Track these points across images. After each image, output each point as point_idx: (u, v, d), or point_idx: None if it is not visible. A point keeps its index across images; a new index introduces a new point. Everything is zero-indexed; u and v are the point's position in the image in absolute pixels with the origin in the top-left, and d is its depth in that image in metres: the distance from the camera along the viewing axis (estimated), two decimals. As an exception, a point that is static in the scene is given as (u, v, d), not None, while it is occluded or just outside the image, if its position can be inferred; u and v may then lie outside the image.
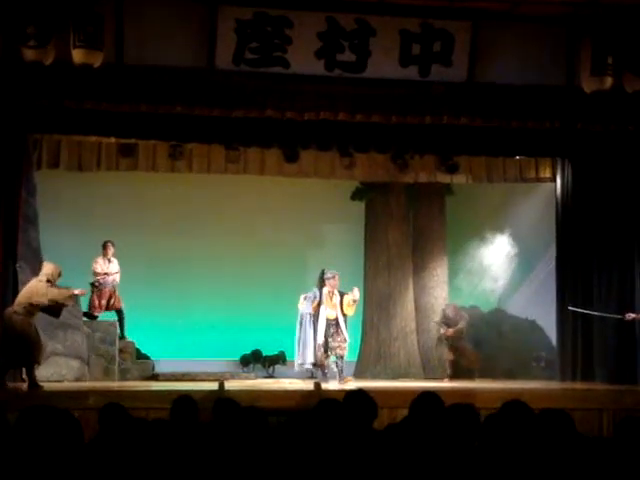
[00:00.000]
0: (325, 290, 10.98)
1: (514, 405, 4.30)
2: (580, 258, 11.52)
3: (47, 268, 9.79)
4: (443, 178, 12.15)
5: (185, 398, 5.03)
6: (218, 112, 9.79)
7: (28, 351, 9.41)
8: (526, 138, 10.63)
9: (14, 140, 9.90)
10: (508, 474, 3.76)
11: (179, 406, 4.96)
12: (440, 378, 11.93)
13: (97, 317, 11.45)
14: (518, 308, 13.00)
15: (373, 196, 13.15)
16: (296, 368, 11.29)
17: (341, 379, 10.76)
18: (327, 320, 10.90)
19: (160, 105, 9.64)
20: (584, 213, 11.50)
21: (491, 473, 3.78)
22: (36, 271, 10.66)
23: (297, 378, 11.51)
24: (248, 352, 12.50)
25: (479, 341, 12.67)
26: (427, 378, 12.36)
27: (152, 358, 11.96)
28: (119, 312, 11.51)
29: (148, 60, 9.36)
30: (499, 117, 10.24)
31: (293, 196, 12.77)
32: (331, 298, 10.94)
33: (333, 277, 11.00)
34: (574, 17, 9.75)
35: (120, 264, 11.98)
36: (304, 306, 11.08)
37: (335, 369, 11.00)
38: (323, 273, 11.11)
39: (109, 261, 11.56)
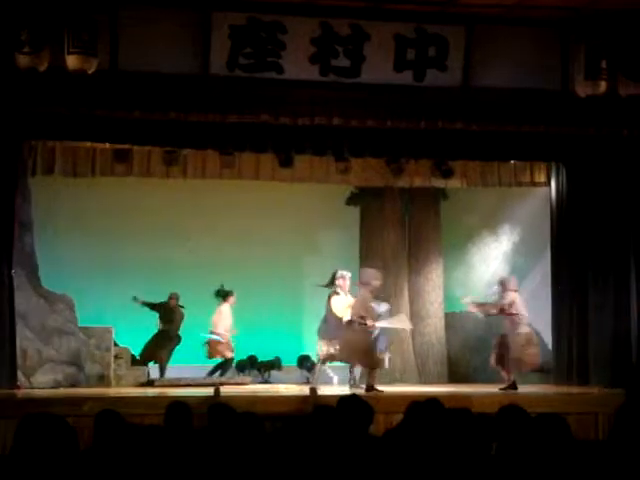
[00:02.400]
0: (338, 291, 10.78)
1: (511, 410, 4.30)
2: (575, 262, 11.52)
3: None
4: (438, 183, 12.16)
5: (178, 404, 5.02)
6: (212, 118, 9.78)
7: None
8: (521, 142, 10.65)
9: (9, 146, 9.89)
10: (506, 478, 3.76)
11: (173, 412, 4.95)
12: (437, 382, 11.91)
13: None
14: (514, 312, 12.97)
15: (368, 201, 13.15)
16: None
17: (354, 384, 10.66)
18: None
19: (154, 111, 9.64)
20: (579, 217, 11.50)
21: (490, 477, 3.78)
22: (30, 277, 10.68)
23: (293, 383, 11.50)
24: (244, 358, 12.48)
25: (475, 346, 12.66)
26: (423, 383, 12.35)
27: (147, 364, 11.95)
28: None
29: (142, 66, 9.36)
30: (494, 122, 10.25)
31: (288, 201, 12.77)
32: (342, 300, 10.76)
33: (342, 277, 10.83)
34: (568, 21, 9.78)
35: (115, 270, 12.01)
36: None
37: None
38: (334, 274, 10.90)
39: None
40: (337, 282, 10.77)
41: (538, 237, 12.53)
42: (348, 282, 10.82)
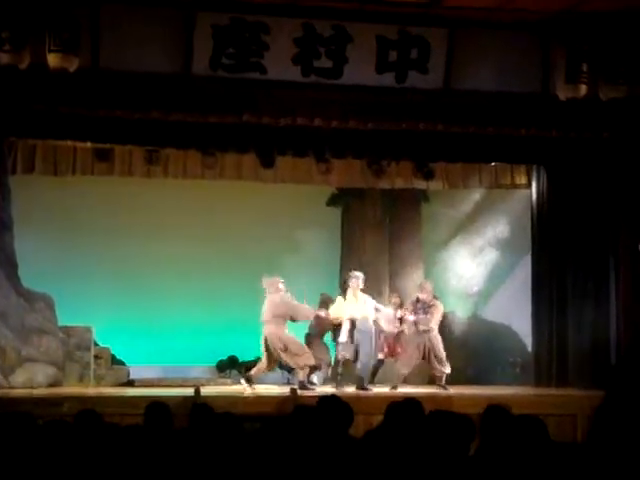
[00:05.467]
0: (349, 292, 10.90)
1: (495, 411, 4.31)
2: (555, 264, 11.59)
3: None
4: (419, 184, 12.19)
5: (157, 404, 5.01)
6: (194, 117, 9.77)
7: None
8: (501, 145, 10.70)
9: (-11, 145, 9.85)
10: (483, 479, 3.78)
11: (152, 412, 4.94)
12: (419, 383, 11.94)
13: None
14: (494, 313, 13.04)
15: (349, 202, 13.18)
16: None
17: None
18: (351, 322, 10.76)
19: (136, 110, 9.61)
20: (559, 219, 11.57)
21: (467, 478, 3.80)
22: (10, 276, 10.62)
23: (273, 384, 11.49)
24: (224, 358, 12.46)
25: (455, 346, 12.70)
26: (404, 384, 12.35)
27: (128, 364, 11.91)
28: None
29: (124, 65, 9.32)
30: (475, 124, 10.28)
31: (269, 202, 12.76)
32: (355, 299, 10.83)
33: (355, 278, 10.89)
34: (549, 25, 9.82)
35: (95, 269, 11.92)
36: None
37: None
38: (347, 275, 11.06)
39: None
40: (349, 282, 10.88)
41: (519, 239, 12.58)
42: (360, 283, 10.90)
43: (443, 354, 10.90)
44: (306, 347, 10.78)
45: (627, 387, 9.71)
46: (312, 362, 10.65)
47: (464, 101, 10.07)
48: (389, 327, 11.32)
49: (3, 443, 3.17)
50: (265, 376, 11.58)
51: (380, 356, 11.39)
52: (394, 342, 11.46)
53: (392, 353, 11.44)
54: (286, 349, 10.52)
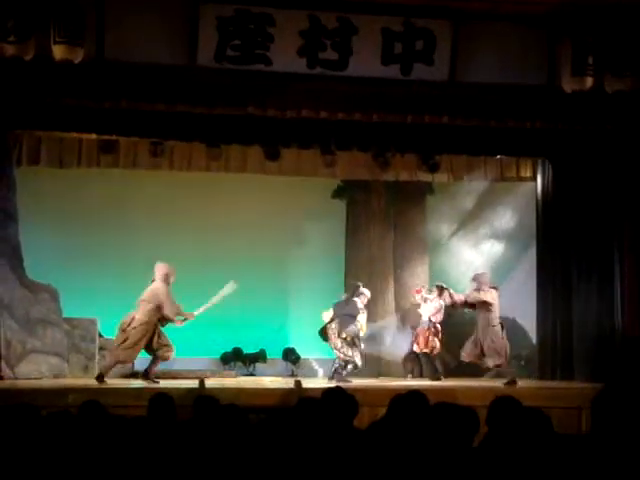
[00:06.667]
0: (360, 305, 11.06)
1: (504, 402, 4.30)
2: (560, 257, 11.59)
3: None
4: (424, 177, 12.19)
5: (161, 396, 5.01)
6: (199, 109, 9.77)
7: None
8: (507, 137, 10.69)
9: (-6, 136, 9.86)
10: (489, 472, 3.78)
11: (156, 404, 4.94)
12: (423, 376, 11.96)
13: None
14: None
15: (354, 194, 13.16)
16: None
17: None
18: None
19: (141, 102, 9.61)
20: (564, 212, 11.56)
21: (473, 471, 3.80)
22: (15, 267, 10.64)
23: (277, 376, 11.51)
24: (229, 350, 12.48)
25: (460, 339, 12.70)
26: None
27: (132, 356, 11.92)
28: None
29: (129, 57, 9.32)
30: (480, 116, 10.27)
31: (274, 194, 12.75)
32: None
33: (363, 295, 11.09)
34: (555, 17, 9.80)
35: (100, 261, 11.92)
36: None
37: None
38: (357, 287, 11.17)
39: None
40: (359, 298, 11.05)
41: (524, 232, 12.57)
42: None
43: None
44: (129, 344, 10.26)
45: (629, 379, 9.72)
46: (118, 359, 10.31)
47: (469, 93, 10.05)
48: (437, 317, 11.66)
49: (7, 434, 3.17)
50: (269, 368, 11.62)
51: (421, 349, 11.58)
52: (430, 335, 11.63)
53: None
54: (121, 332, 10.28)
